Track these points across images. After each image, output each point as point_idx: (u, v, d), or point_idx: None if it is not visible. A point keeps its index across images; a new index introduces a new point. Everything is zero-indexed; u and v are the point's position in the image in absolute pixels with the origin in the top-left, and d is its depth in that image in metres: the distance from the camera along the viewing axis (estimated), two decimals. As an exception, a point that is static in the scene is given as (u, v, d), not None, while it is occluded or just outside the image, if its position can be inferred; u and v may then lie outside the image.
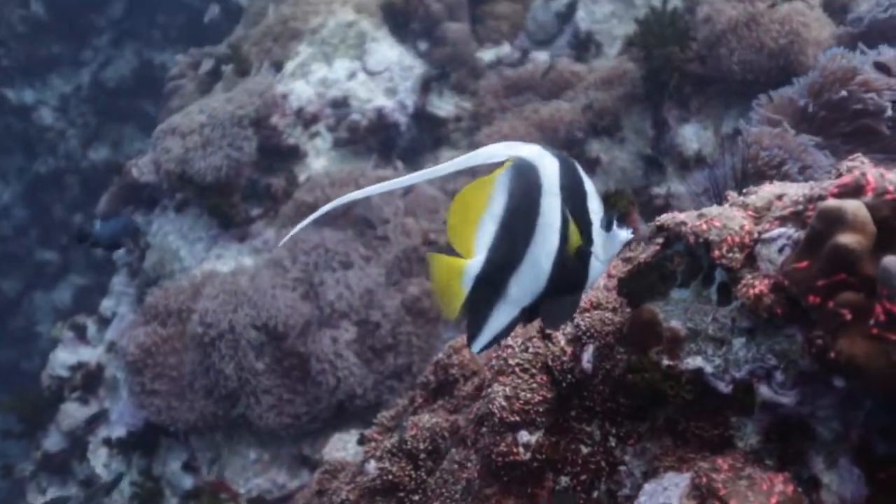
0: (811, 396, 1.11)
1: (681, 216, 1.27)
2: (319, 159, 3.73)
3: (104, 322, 4.06)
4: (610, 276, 1.57)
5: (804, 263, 1.07)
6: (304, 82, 3.89)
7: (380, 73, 3.89)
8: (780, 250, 1.15)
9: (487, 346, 1.16)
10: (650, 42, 3.56)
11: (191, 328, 3.08)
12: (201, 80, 4.60)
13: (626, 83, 3.78)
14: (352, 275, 3.02)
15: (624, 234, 1.24)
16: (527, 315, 1.18)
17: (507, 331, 1.16)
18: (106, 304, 4.10)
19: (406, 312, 3.19)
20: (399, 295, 3.19)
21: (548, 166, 1.11)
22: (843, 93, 2.35)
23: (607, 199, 2.27)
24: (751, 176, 1.92)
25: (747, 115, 2.88)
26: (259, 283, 3.03)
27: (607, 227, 1.19)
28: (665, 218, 1.29)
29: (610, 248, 1.21)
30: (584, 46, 4.23)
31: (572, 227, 1.14)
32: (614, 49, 4.25)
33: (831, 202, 1.04)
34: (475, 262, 1.09)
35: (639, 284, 1.37)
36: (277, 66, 4.07)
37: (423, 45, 4.17)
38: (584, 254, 1.17)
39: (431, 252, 1.12)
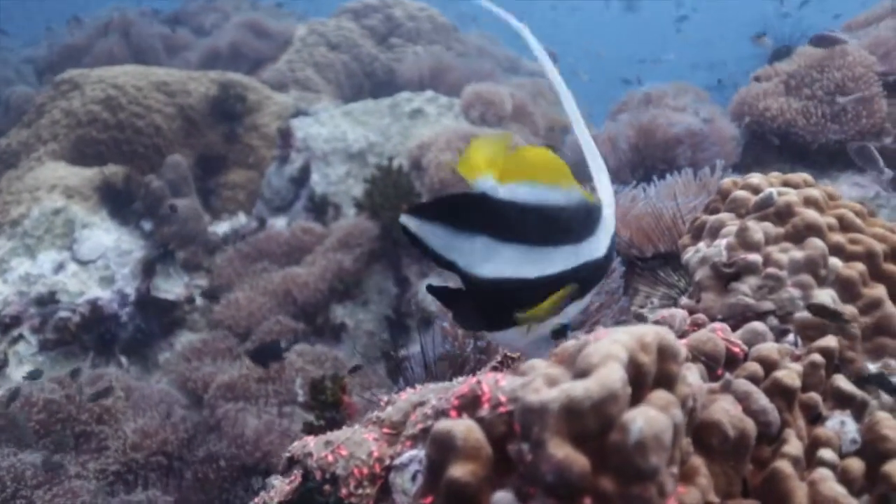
0: None
1: (310, 444, 1.06)
2: (23, 367, 3.23)
3: None
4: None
5: (428, 500, 0.88)
6: (2, 281, 3.43)
7: (93, 261, 3.52)
8: (413, 478, 0.96)
9: None
10: (377, 202, 3.52)
11: None
12: None
13: (364, 243, 3.70)
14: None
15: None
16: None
17: None
18: None
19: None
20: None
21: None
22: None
23: (315, 387, 2.06)
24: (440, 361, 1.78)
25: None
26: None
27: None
28: (295, 448, 1.08)
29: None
30: (322, 209, 4.14)
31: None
32: (354, 209, 4.20)
33: (442, 424, 0.87)
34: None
35: (290, 524, 1.14)
36: (-29, 267, 3.58)
37: (147, 226, 3.88)
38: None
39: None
